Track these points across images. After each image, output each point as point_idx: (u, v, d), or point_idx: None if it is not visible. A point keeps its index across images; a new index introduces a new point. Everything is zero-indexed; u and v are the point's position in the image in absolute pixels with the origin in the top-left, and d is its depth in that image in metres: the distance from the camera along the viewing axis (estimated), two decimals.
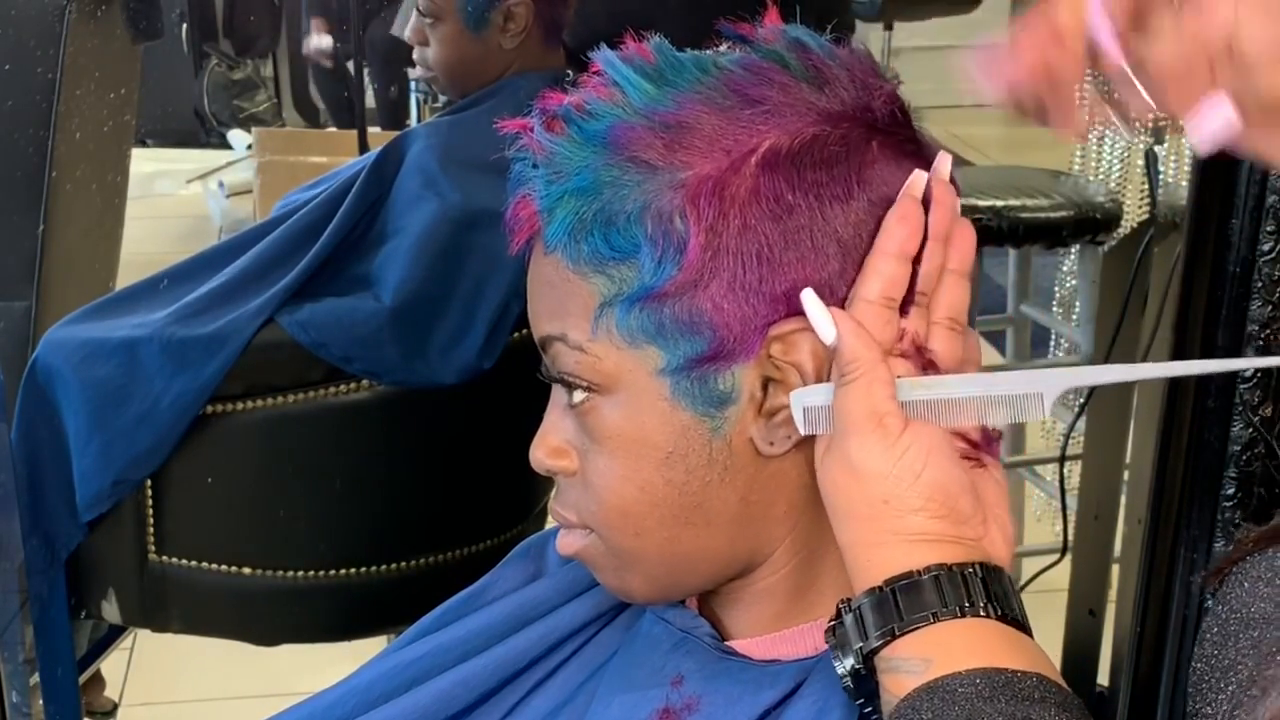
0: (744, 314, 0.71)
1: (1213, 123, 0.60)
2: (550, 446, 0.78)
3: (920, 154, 0.74)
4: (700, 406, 0.72)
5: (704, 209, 0.70)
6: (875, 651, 0.66)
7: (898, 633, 0.66)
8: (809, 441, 0.73)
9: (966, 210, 0.75)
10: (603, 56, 0.74)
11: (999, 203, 2.36)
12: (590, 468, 0.76)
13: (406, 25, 1.90)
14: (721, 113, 0.71)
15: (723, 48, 0.75)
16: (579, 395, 0.74)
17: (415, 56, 1.88)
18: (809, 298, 0.70)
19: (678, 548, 0.76)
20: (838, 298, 0.71)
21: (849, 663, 0.67)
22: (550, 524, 1.28)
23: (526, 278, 0.77)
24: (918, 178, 0.72)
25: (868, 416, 0.68)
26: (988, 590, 0.66)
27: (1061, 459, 2.11)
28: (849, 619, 0.68)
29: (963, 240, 0.73)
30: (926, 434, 0.69)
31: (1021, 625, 0.67)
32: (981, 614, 0.66)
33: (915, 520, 0.67)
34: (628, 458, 0.74)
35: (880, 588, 0.67)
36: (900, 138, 0.73)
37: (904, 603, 0.66)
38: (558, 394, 0.78)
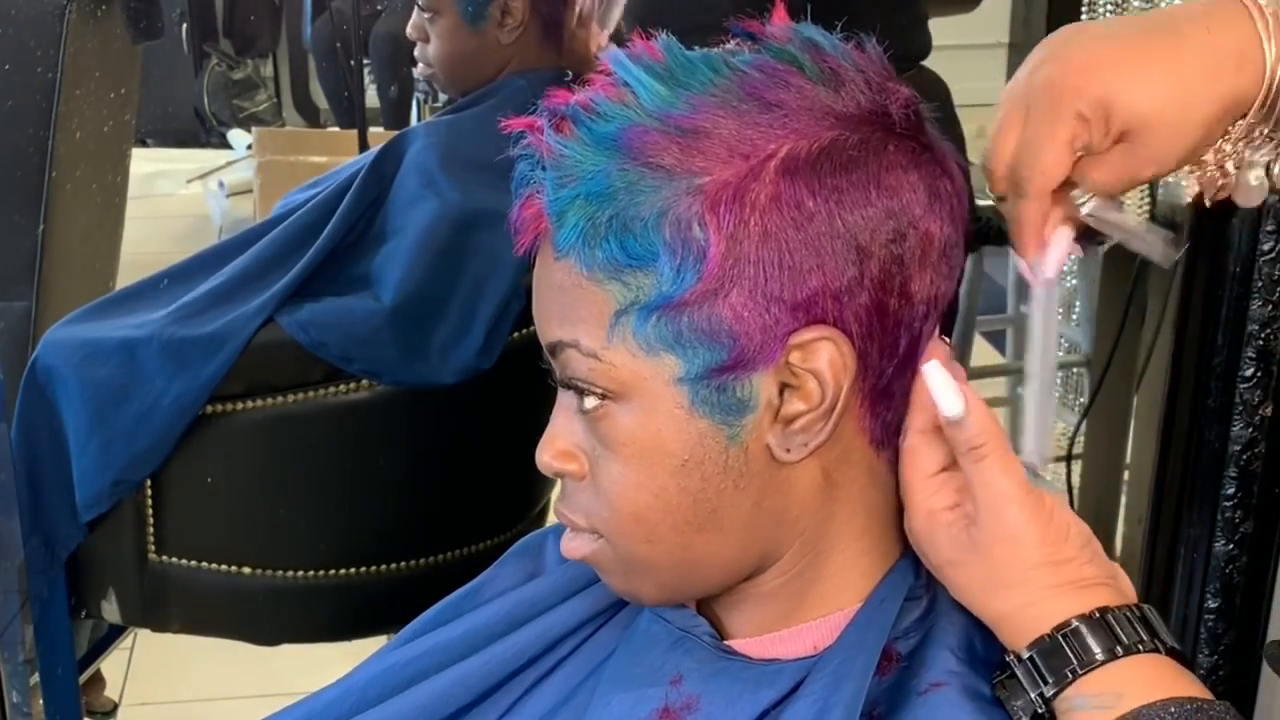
0: (765, 323, 0.70)
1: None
2: (558, 450, 0.77)
3: (933, 159, 0.73)
4: (718, 415, 0.72)
5: (724, 216, 0.69)
6: (1056, 695, 0.69)
7: (1079, 672, 0.68)
8: (823, 447, 0.73)
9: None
10: (611, 55, 0.73)
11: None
12: (602, 473, 0.75)
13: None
14: (737, 117, 0.70)
15: (730, 44, 0.74)
16: (591, 402, 0.73)
17: (416, 53, 1.88)
18: (934, 371, 0.72)
19: (689, 553, 0.75)
20: (855, 303, 0.70)
21: (1023, 706, 0.70)
22: (549, 523, 1.28)
23: (532, 279, 0.76)
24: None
25: (1019, 486, 0.71)
26: (1149, 627, 0.70)
27: (1069, 458, 2.10)
28: (1020, 670, 0.70)
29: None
30: (1053, 492, 0.73)
31: (1184, 659, 0.70)
32: (1157, 650, 0.69)
33: (1072, 568, 0.71)
34: (642, 465, 0.73)
35: (1052, 634, 0.69)
36: (914, 142, 0.72)
37: (1079, 645, 0.69)
38: (566, 397, 0.76)
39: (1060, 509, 0.72)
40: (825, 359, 0.71)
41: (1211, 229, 1.22)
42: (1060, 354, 2.85)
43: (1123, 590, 0.72)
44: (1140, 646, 0.69)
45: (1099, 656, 0.68)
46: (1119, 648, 0.68)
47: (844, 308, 0.70)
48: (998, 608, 0.72)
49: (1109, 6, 2.31)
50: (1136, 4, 2.21)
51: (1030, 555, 0.71)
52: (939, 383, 0.72)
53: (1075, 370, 2.80)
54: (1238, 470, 1.30)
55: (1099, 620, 0.69)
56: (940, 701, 0.71)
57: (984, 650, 0.74)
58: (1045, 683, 0.69)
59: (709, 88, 0.70)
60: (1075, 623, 0.69)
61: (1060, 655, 0.69)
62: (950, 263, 0.74)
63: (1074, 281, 2.72)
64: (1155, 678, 0.68)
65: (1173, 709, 0.66)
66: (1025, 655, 0.70)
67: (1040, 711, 0.70)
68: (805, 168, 0.69)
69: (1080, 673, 0.68)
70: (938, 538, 0.74)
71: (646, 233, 0.69)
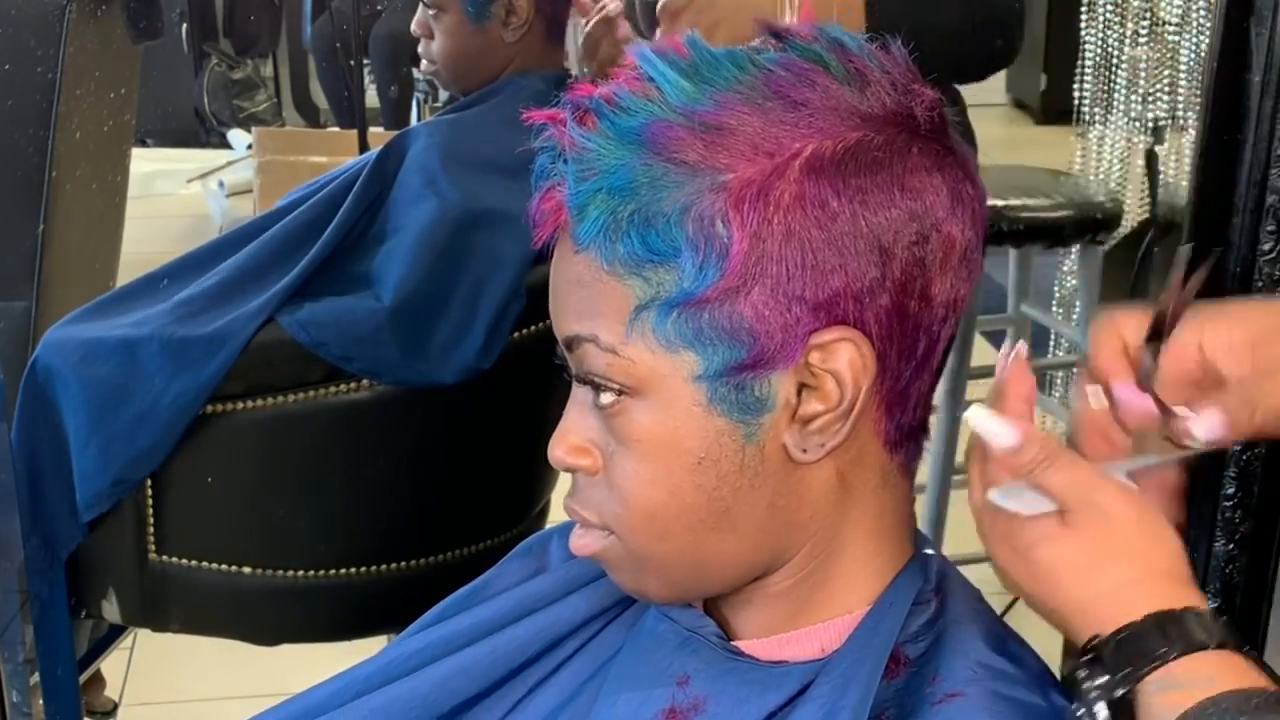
0: (786, 322, 0.70)
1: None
2: (571, 445, 0.77)
3: (956, 162, 0.73)
4: (736, 413, 0.72)
5: (748, 214, 0.69)
6: (1145, 674, 0.68)
7: (1172, 656, 0.67)
8: (839, 449, 0.73)
9: None
10: (636, 51, 0.73)
11: (1000, 202, 2.37)
12: (616, 469, 0.75)
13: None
14: (762, 114, 0.69)
15: (754, 42, 0.73)
16: (607, 397, 0.73)
17: (420, 50, 1.89)
18: (976, 415, 0.73)
19: (701, 552, 0.75)
20: (876, 304, 0.70)
21: (1105, 686, 0.69)
22: (550, 523, 1.27)
23: (549, 272, 0.75)
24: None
25: (1102, 475, 0.72)
26: (1237, 636, 0.69)
27: None
28: (1106, 650, 0.69)
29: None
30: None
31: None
32: (1239, 652, 0.68)
33: (1172, 555, 0.71)
34: (657, 462, 0.73)
35: (1159, 613, 0.68)
36: (938, 145, 0.72)
37: (1177, 631, 0.68)
38: (580, 392, 0.76)
39: (1153, 510, 0.72)
40: (845, 360, 0.71)
41: (1211, 229, 1.22)
42: (1060, 354, 2.86)
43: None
44: (1230, 644, 0.67)
45: (1180, 649, 0.67)
46: (1214, 640, 0.67)
47: (865, 309, 0.70)
48: (1093, 587, 0.70)
49: (1108, 7, 2.31)
50: (1136, 4, 2.21)
51: (1132, 532, 0.70)
52: (985, 423, 0.73)
53: (1075, 370, 2.80)
54: (1238, 470, 1.30)
55: (1195, 614, 0.68)
56: (956, 712, 0.71)
57: (997, 659, 0.74)
58: (1139, 661, 0.67)
59: (734, 85, 0.70)
60: (1173, 612, 0.68)
61: (1155, 638, 0.68)
62: (970, 267, 0.74)
63: (1074, 282, 2.72)
64: (1242, 669, 0.67)
65: (1271, 695, 0.65)
66: (1117, 637, 0.68)
67: (1120, 695, 0.68)
68: (830, 167, 0.69)
69: (1174, 656, 0.67)
70: (1026, 526, 0.73)
71: (669, 228, 0.69)
